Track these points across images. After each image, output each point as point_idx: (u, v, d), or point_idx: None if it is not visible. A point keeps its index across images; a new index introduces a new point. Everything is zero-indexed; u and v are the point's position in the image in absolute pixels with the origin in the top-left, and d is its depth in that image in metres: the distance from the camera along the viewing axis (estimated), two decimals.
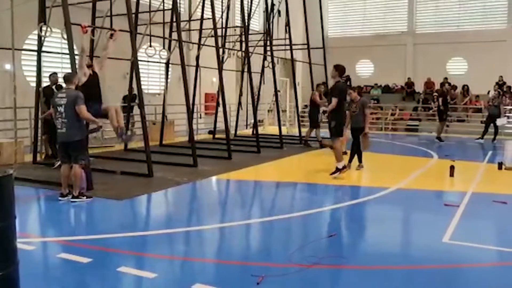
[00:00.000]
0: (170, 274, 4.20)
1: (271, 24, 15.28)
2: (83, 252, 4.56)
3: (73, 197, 6.57)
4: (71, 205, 6.46)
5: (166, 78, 13.57)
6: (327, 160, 10.02)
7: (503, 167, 9.98)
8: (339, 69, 8.79)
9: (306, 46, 16.48)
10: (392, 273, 4.27)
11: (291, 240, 5.31)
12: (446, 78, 22.62)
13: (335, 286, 4.10)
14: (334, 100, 8.59)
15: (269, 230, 5.78)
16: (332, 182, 8.42)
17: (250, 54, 13.39)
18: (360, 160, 9.92)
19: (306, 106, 15.77)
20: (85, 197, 6.61)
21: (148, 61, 12.57)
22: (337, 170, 8.64)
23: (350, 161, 9.78)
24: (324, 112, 9.11)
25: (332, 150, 8.90)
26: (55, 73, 10.43)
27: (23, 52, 11.55)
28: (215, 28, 11.34)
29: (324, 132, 12.13)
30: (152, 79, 16.47)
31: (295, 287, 3.93)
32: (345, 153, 10.92)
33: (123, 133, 8.04)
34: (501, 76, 21.85)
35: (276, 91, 15.05)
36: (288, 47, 15.84)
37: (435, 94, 18.84)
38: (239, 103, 16.65)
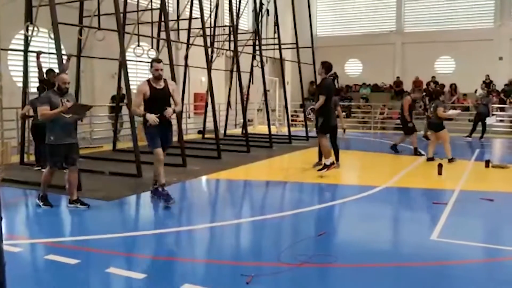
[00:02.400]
0: (159, 275, 4.18)
1: (259, 24, 15.27)
2: (71, 253, 4.52)
3: (37, 197, 6.39)
4: (59, 206, 6.41)
5: None
6: (316, 159, 10.04)
7: (490, 165, 10.09)
8: (326, 66, 8.82)
9: (295, 46, 16.51)
10: (381, 270, 4.29)
11: (280, 239, 5.31)
12: (433, 77, 22.83)
13: (325, 284, 4.11)
14: (322, 98, 8.62)
15: (259, 230, 5.78)
16: (321, 181, 8.44)
17: (239, 53, 13.38)
18: (337, 159, 9.80)
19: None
20: (42, 203, 6.25)
21: (136, 61, 12.51)
22: (325, 166, 8.68)
23: (337, 159, 9.77)
24: (311, 109, 9.11)
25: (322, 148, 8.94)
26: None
27: (10, 52, 11.44)
28: (203, 27, 11.31)
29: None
30: (141, 79, 16.38)
31: (285, 286, 3.94)
32: (432, 159, 10.64)
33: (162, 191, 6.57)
34: (488, 75, 22.09)
35: (265, 90, 15.05)
36: (277, 47, 15.86)
37: (424, 93, 19.01)
38: (228, 103, 16.64)
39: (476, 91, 21.34)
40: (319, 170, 8.73)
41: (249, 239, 5.44)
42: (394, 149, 12.55)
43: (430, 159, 10.76)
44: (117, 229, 5.48)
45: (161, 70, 6.47)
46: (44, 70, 9.39)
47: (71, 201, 6.28)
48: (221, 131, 15.61)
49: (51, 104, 6.06)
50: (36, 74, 9.38)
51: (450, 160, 10.46)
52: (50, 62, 11.57)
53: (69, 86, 6.34)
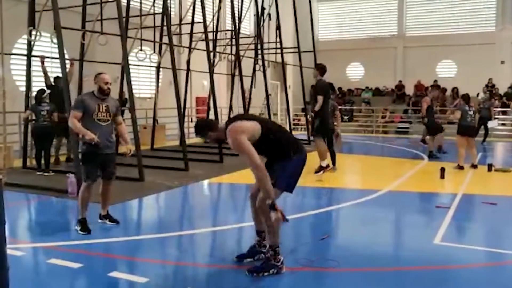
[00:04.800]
0: (162, 279, 4.18)
1: (261, 28, 15.31)
2: (74, 257, 4.53)
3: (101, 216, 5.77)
4: (61, 210, 6.41)
5: (157, 82, 13.55)
6: (317, 163, 10.03)
7: (493, 168, 10.07)
8: (320, 68, 8.93)
9: (296, 50, 16.53)
10: (384, 275, 4.28)
11: (283, 243, 5.28)
12: (435, 81, 22.80)
13: None
14: (320, 98, 8.67)
15: None
16: (324, 185, 8.44)
17: (241, 57, 13.40)
18: (333, 163, 9.69)
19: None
20: (79, 228, 5.41)
21: (139, 65, 12.54)
22: (321, 168, 8.71)
23: (334, 163, 9.64)
24: (313, 112, 9.11)
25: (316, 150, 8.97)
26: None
27: (12, 56, 11.47)
28: (206, 31, 11.33)
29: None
30: (143, 83, 16.44)
31: None
32: (475, 166, 10.17)
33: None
34: (491, 79, 22.08)
35: (267, 94, 15.07)
36: (278, 51, 15.88)
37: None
38: (230, 107, 16.65)
39: (478, 94, 21.32)
40: (316, 172, 8.77)
41: (252, 243, 5.43)
42: (433, 155, 12.00)
43: (474, 166, 10.27)
44: (119, 233, 5.48)
45: None
46: (49, 74, 9.43)
47: (101, 216, 5.78)
48: None
49: (85, 109, 5.28)
50: (38, 78, 9.42)
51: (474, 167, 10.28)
52: (52, 67, 11.61)
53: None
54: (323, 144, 8.85)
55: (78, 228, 5.39)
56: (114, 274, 4.10)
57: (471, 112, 10.40)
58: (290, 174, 4.13)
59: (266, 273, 4.07)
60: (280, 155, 4.13)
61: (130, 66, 9.39)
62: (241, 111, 14.65)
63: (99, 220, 5.76)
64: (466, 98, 10.82)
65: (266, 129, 4.09)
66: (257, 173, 3.87)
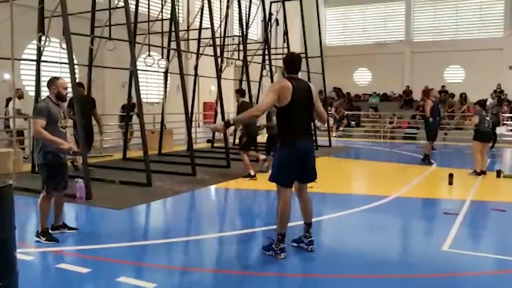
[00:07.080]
0: (169, 284, 4.19)
1: (269, 33, 15.35)
2: (82, 262, 4.55)
3: (36, 233, 5.25)
4: (69, 215, 6.44)
5: (165, 87, 13.61)
6: (323, 168, 10.02)
7: (502, 175, 10.01)
8: (240, 91, 10.45)
9: (304, 55, 16.53)
10: (392, 281, 4.26)
11: (290, 249, 5.29)
12: (443, 86, 22.73)
13: None
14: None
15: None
16: (331, 191, 8.42)
17: (248, 63, 13.43)
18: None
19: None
20: (44, 238, 5.12)
21: (147, 71, 12.62)
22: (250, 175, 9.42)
23: None
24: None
25: None
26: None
27: (22, 61, 11.58)
28: (213, 37, 11.39)
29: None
30: (151, 88, 16.52)
31: None
32: (484, 172, 10.05)
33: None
34: (499, 84, 21.97)
35: None
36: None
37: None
38: (238, 112, 16.67)
39: (486, 100, 21.19)
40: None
41: (258, 249, 5.43)
42: (427, 160, 12.15)
43: (483, 173, 10.13)
44: (127, 238, 5.50)
45: None
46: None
47: (56, 227, 5.52)
48: (230, 140, 15.63)
49: (49, 117, 5.06)
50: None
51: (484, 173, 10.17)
52: (61, 72, 11.70)
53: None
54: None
55: (43, 239, 5.10)
56: (122, 279, 4.12)
57: (488, 118, 10.37)
58: (277, 165, 4.79)
59: (266, 252, 4.76)
60: (278, 138, 4.78)
61: (138, 72, 9.44)
62: None
63: (52, 231, 5.39)
64: (483, 103, 10.79)
65: (294, 102, 4.52)
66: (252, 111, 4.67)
